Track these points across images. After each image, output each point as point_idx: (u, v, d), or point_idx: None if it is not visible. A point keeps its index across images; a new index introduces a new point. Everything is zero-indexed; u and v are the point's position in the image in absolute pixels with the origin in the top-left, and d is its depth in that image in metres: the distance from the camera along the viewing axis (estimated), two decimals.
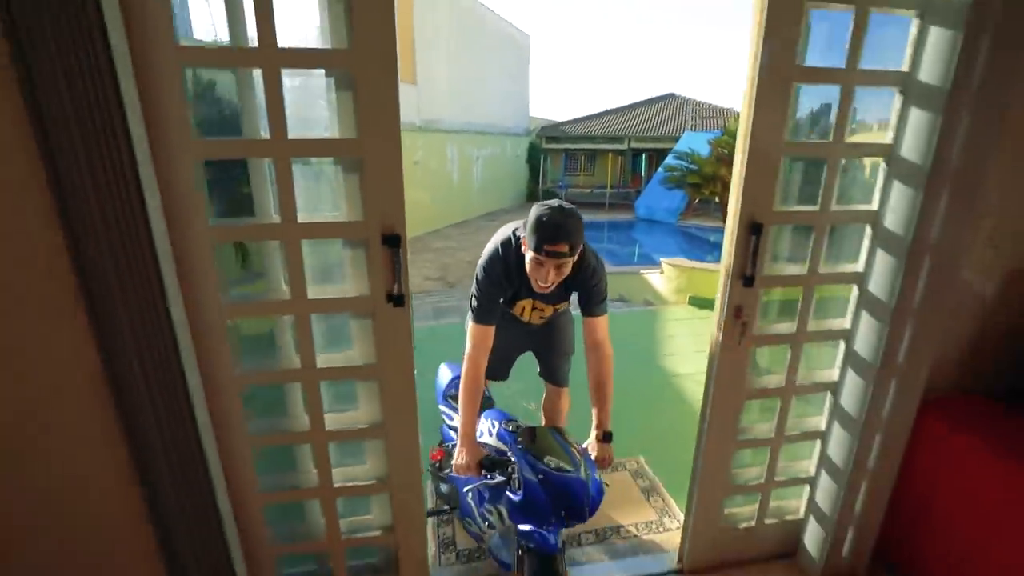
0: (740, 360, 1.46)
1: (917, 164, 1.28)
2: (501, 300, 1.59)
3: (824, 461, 1.61)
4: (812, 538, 1.66)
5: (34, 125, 0.88)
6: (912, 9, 1.23)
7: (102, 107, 0.87)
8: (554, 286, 1.45)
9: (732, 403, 1.51)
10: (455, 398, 1.71)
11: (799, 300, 1.45)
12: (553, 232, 1.34)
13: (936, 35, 1.21)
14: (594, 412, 1.56)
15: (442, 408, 1.92)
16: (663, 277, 5.71)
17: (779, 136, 1.27)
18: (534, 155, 20.63)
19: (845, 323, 1.50)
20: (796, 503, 1.74)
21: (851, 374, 1.51)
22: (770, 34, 1.18)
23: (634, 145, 20.46)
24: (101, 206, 0.91)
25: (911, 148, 1.29)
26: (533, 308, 1.71)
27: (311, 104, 1.17)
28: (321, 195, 1.22)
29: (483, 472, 1.43)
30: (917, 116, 1.27)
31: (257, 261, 1.21)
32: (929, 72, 1.23)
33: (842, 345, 1.53)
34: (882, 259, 1.40)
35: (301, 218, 1.09)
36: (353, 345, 1.27)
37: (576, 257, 1.43)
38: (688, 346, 3.88)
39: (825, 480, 1.61)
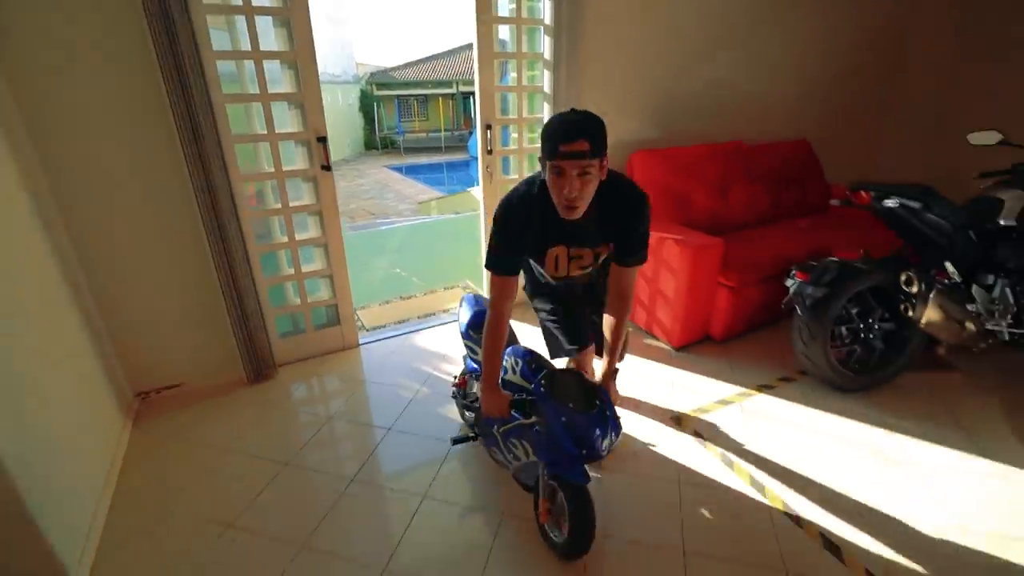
0: (494, 191, 3.08)
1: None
2: (527, 251, 1.50)
3: None
4: None
5: (172, 107, 2.03)
6: None
7: (192, 87, 2.06)
8: (584, 202, 1.30)
9: None
10: (478, 331, 1.71)
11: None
12: (567, 128, 1.22)
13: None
14: (606, 355, 1.61)
15: (465, 342, 1.96)
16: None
17: (493, 84, 2.84)
18: (367, 103, 20.81)
19: None
20: None
21: None
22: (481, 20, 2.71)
23: (462, 88, 21.70)
24: (198, 148, 2.11)
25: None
26: (569, 257, 1.51)
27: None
28: (284, 120, 2.48)
29: (512, 413, 1.49)
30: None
31: (255, 156, 2.45)
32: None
33: None
34: None
35: (278, 131, 2.37)
36: (304, 196, 2.59)
37: (603, 164, 1.28)
38: None
39: None
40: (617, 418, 1.40)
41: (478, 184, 3.19)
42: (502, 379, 1.59)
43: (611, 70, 3.04)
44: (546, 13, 2.81)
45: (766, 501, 1.82)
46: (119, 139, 2.08)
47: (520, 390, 1.54)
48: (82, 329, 2.07)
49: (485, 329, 1.52)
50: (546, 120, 1.31)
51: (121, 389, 2.34)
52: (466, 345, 1.96)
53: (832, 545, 1.64)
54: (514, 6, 2.83)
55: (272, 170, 2.45)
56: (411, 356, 2.87)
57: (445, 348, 2.94)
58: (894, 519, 1.74)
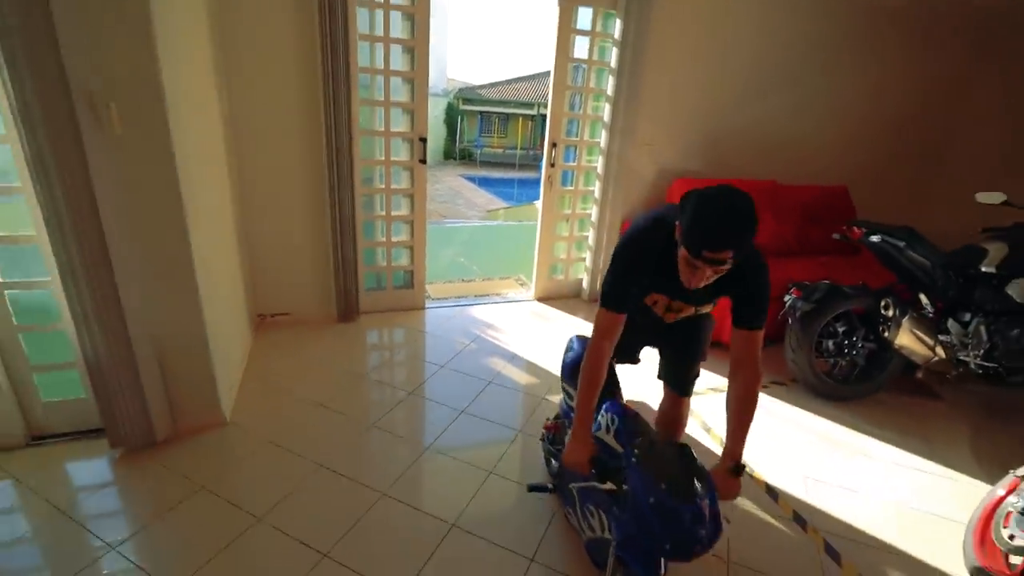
0: (552, 198, 3.71)
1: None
2: (638, 289, 1.42)
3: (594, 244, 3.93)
4: (586, 285, 4.00)
5: (324, 102, 2.81)
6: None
7: (337, 77, 2.83)
8: (705, 284, 1.23)
9: (551, 219, 3.77)
10: (577, 375, 1.47)
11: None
12: (718, 237, 1.12)
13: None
14: (727, 438, 1.37)
15: (563, 384, 1.82)
16: None
17: (562, 110, 3.48)
18: (452, 115, 22.21)
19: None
20: (582, 268, 4.06)
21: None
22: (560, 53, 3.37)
23: (543, 111, 22.70)
24: (336, 135, 2.88)
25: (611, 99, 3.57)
26: (669, 308, 1.51)
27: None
28: (398, 121, 3.23)
29: (592, 471, 1.32)
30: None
31: (371, 149, 3.22)
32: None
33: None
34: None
35: (392, 129, 3.13)
36: (403, 181, 3.33)
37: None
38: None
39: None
40: (720, 518, 1.15)
41: None
42: (593, 434, 1.43)
43: (663, 107, 3.61)
44: (613, 57, 3.43)
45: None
46: (285, 112, 2.88)
47: (610, 452, 1.38)
48: (237, 252, 2.86)
49: (583, 370, 1.40)
50: (696, 206, 1.17)
51: (250, 307, 3.12)
52: (563, 388, 1.83)
53: (799, 517, 2.06)
54: (586, 51, 3.47)
55: (383, 159, 3.20)
56: (465, 321, 3.52)
57: (494, 320, 3.57)
58: (852, 497, 2.17)
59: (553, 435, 1.91)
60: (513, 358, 3.06)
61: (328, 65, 2.74)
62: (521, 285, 4.35)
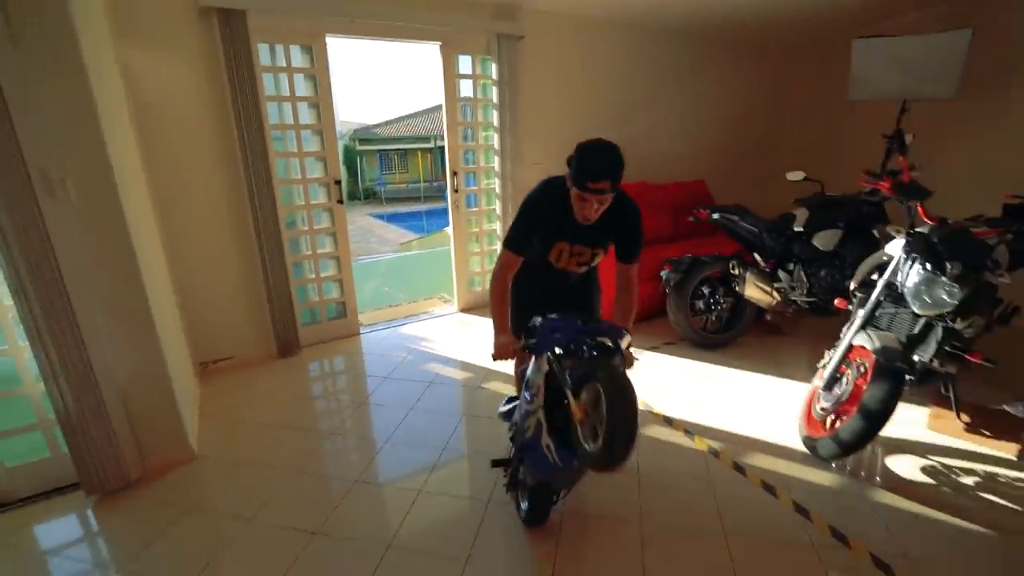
0: (460, 220, 4.20)
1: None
2: (536, 238, 1.76)
3: None
4: None
5: (243, 159, 3.12)
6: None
7: (255, 145, 3.15)
8: (598, 216, 1.62)
9: (462, 239, 4.25)
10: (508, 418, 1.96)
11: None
12: (596, 170, 1.52)
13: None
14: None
15: (505, 422, 2.05)
16: None
17: (457, 142, 4.01)
18: (351, 157, 22.25)
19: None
20: None
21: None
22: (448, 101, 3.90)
23: (440, 143, 23.38)
24: (256, 186, 3.18)
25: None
26: (571, 253, 1.81)
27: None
28: (313, 168, 3.57)
29: (522, 347, 1.62)
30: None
31: (290, 196, 3.53)
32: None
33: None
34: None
35: (308, 176, 3.47)
36: (323, 221, 3.66)
37: (615, 188, 1.54)
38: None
39: None
40: (605, 330, 1.53)
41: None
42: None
43: (541, 131, 4.26)
44: (494, 94, 4.02)
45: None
46: (206, 173, 3.14)
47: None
48: (176, 305, 3.04)
49: (491, 291, 1.76)
50: (578, 151, 1.58)
51: (192, 356, 3.28)
52: (509, 426, 2.00)
53: (688, 433, 2.65)
54: (471, 91, 4.04)
55: (303, 203, 3.53)
56: (399, 339, 3.88)
57: (425, 334, 3.96)
58: (724, 413, 2.80)
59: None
60: (447, 361, 3.46)
61: (242, 125, 3.06)
62: (445, 302, 4.77)
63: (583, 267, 1.88)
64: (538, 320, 1.64)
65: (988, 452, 2.37)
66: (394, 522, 2.03)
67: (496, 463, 1.99)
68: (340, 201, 3.63)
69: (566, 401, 1.44)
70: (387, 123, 23.27)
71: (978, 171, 4.04)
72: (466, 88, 4.07)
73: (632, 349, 1.60)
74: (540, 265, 1.87)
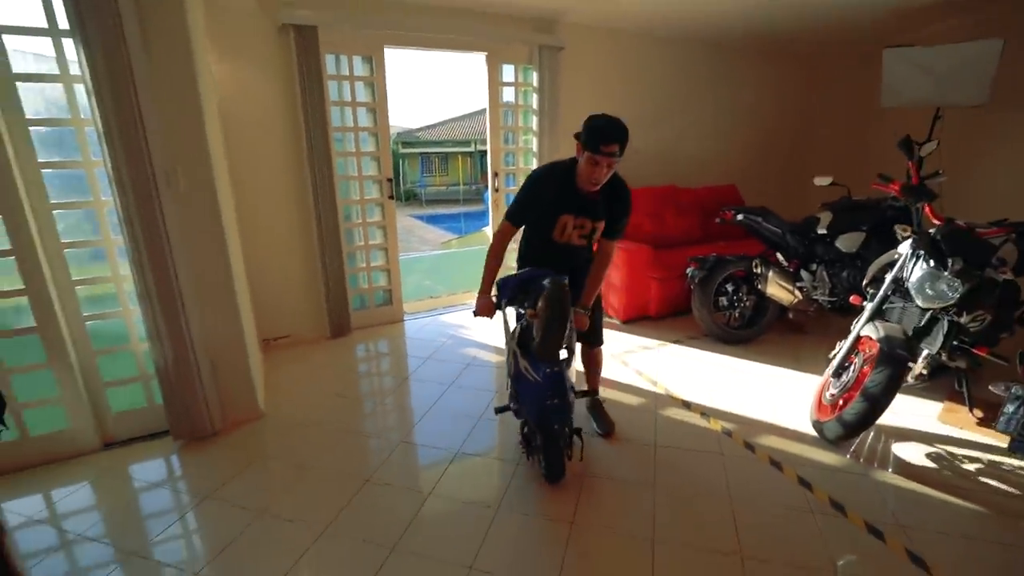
0: (499, 218, 4.50)
1: None
2: (540, 213, 2.04)
3: None
4: None
5: (309, 158, 3.51)
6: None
7: (319, 147, 3.53)
8: (605, 179, 1.90)
9: None
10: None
11: None
12: (609, 134, 1.80)
13: None
14: (583, 294, 2.14)
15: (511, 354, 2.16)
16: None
17: (499, 145, 4.32)
18: (393, 160, 22.98)
19: None
20: None
21: None
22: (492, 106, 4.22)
23: (480, 147, 23.89)
24: (318, 183, 3.57)
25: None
26: (575, 225, 2.05)
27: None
28: (368, 167, 3.94)
29: (496, 307, 2.08)
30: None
31: (348, 191, 3.92)
32: None
33: None
34: None
35: (363, 174, 3.85)
36: (375, 215, 4.03)
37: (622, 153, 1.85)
38: None
39: None
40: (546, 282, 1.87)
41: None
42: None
43: None
44: (534, 100, 4.30)
45: (653, 391, 3.07)
46: (277, 169, 3.55)
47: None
48: (247, 285, 3.44)
49: (488, 254, 2.13)
50: (591, 120, 1.92)
51: (258, 332, 3.68)
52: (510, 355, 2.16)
53: (704, 415, 2.86)
54: (512, 97, 4.35)
55: (358, 198, 3.91)
56: (440, 326, 4.21)
57: (463, 322, 4.27)
58: (742, 401, 2.99)
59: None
60: (483, 346, 3.76)
61: (309, 127, 3.45)
62: None
63: (584, 240, 2.14)
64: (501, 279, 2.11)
65: (995, 443, 2.48)
66: (433, 476, 2.32)
67: (499, 410, 2.34)
68: (391, 197, 3.99)
69: (527, 314, 1.91)
70: (429, 127, 23.95)
71: (1014, 177, 4.06)
72: (508, 94, 4.38)
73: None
74: (547, 245, 2.15)
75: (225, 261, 2.55)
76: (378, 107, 3.78)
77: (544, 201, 2.03)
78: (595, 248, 2.25)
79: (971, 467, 2.33)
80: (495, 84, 4.19)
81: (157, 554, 1.91)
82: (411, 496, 2.19)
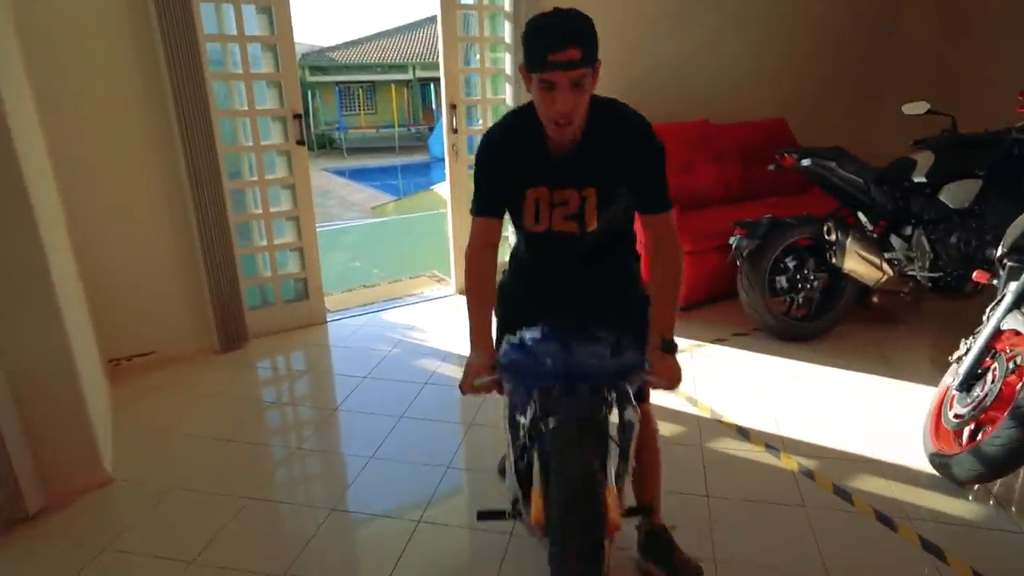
0: (461, 170, 4.17)
1: None
2: (509, 193, 1.62)
3: None
4: None
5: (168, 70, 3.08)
6: None
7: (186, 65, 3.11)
8: (579, 117, 1.46)
9: (463, 196, 4.22)
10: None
11: None
12: (555, 35, 1.36)
13: None
14: (653, 317, 1.60)
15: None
16: None
17: (457, 66, 3.97)
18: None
19: None
20: None
21: None
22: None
23: (420, 73, 23.28)
24: (187, 122, 3.15)
25: None
26: (553, 202, 1.62)
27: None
28: (263, 97, 3.54)
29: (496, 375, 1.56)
30: None
31: (234, 134, 3.51)
32: None
33: None
34: None
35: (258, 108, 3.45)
36: (279, 170, 3.64)
37: (596, 70, 1.43)
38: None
39: None
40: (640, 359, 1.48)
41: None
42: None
43: None
44: (507, 0, 3.96)
45: (694, 413, 2.85)
46: (117, 97, 3.11)
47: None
48: (79, 284, 3.03)
49: (466, 281, 1.71)
50: (527, 27, 1.43)
51: (100, 352, 3.27)
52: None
53: (771, 448, 2.66)
54: None
55: (250, 144, 3.51)
56: (381, 328, 3.90)
57: (415, 322, 3.98)
58: (820, 424, 2.82)
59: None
60: (445, 356, 3.48)
61: (166, 31, 3.00)
62: (438, 281, 4.77)
63: (573, 222, 1.64)
64: (506, 344, 1.59)
65: None
66: (387, 562, 2.04)
67: (484, 515, 1.77)
68: (301, 142, 3.60)
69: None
70: (349, 45, 23.10)
71: None
72: None
73: (680, 351, 1.55)
74: (528, 242, 1.80)
75: (37, 251, 2.16)
76: (275, 6, 3.36)
77: (505, 172, 1.63)
78: (594, 230, 1.66)
79: None
80: None
81: None
82: None
